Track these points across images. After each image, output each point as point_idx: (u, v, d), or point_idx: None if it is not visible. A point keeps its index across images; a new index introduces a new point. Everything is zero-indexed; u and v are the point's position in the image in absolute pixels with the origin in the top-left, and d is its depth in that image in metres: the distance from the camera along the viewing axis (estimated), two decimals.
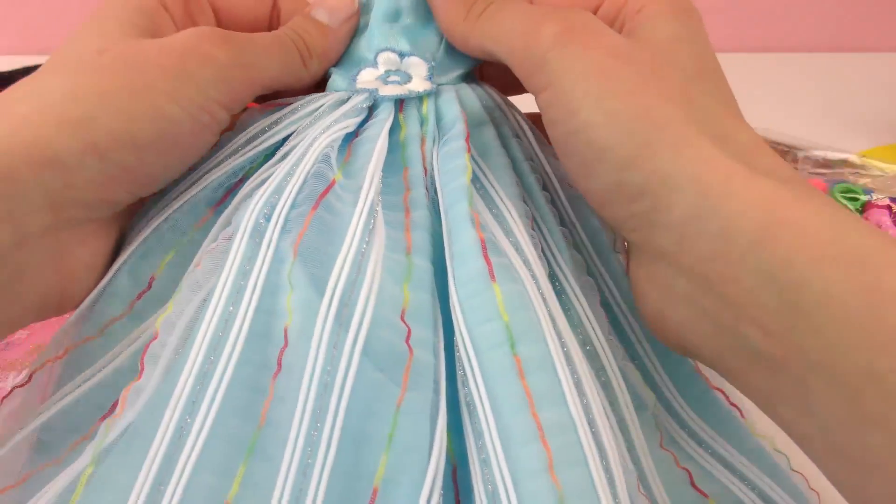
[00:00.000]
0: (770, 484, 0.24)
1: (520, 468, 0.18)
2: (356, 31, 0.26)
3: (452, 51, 0.25)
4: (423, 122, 0.25)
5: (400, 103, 0.25)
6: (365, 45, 0.26)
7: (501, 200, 0.23)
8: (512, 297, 0.20)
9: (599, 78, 0.20)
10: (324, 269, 0.20)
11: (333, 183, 0.22)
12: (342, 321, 0.19)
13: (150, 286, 0.23)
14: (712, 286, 0.19)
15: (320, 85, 0.27)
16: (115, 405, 0.22)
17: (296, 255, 0.20)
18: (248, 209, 0.21)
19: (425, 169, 0.24)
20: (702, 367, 0.26)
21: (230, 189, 0.25)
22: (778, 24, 0.81)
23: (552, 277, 0.23)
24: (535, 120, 0.26)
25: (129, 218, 0.25)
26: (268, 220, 0.21)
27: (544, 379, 0.19)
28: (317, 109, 0.25)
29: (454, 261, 0.21)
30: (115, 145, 0.21)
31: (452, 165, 0.23)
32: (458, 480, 0.20)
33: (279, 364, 0.19)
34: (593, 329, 0.23)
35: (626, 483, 0.19)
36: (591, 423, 0.19)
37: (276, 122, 0.25)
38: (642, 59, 0.20)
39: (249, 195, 0.22)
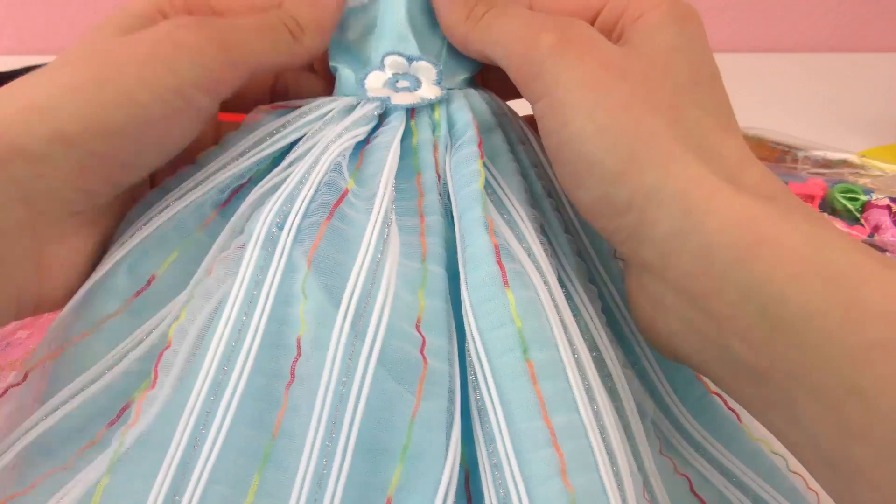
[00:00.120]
0: (766, 488, 0.24)
1: (532, 473, 0.18)
2: (364, 30, 0.26)
3: (455, 55, 0.25)
4: (434, 128, 0.25)
5: (411, 110, 0.25)
6: (373, 45, 0.26)
7: (513, 205, 0.23)
8: (525, 304, 0.20)
9: (591, 91, 0.20)
10: (338, 279, 0.20)
11: (346, 192, 0.22)
12: (358, 332, 0.19)
13: (149, 285, 0.23)
14: (696, 300, 0.19)
15: (329, 81, 0.27)
16: (122, 411, 0.22)
17: (310, 265, 0.20)
18: (261, 217, 0.21)
19: (438, 175, 0.24)
20: None
21: (235, 191, 0.25)
22: (778, 24, 0.81)
23: (560, 283, 0.23)
24: (534, 126, 0.26)
25: (116, 217, 0.24)
26: (280, 228, 0.21)
27: (556, 384, 0.19)
28: (326, 114, 0.25)
29: (467, 265, 0.21)
30: (82, 132, 0.20)
31: (465, 171, 0.23)
32: (471, 487, 0.20)
33: (292, 374, 0.20)
34: (599, 335, 0.23)
35: (635, 489, 0.19)
36: (602, 429, 0.19)
37: (284, 126, 0.25)
38: (635, 71, 0.21)
39: (261, 203, 0.22)
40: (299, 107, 0.25)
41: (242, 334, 0.20)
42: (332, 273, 0.20)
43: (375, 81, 0.25)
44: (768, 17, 0.81)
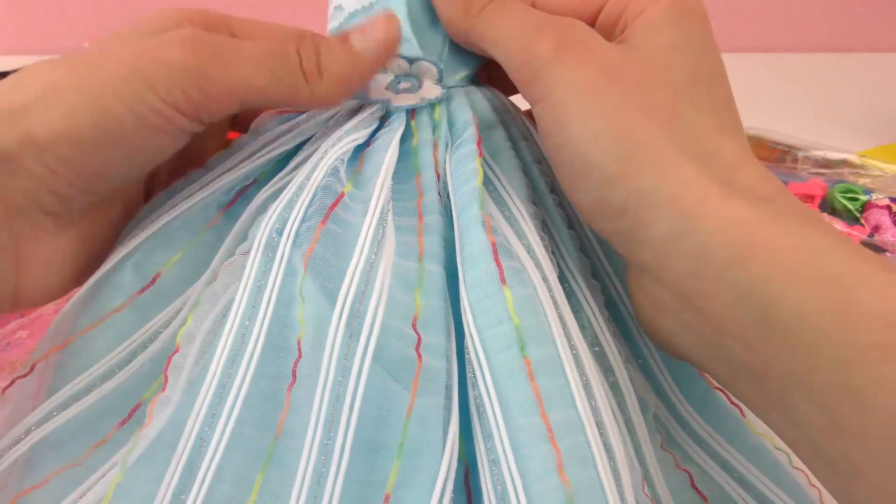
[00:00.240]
0: (768, 484, 0.25)
1: (529, 469, 0.18)
2: None
3: (457, 52, 0.25)
4: (435, 128, 0.25)
5: (412, 110, 0.25)
6: None
7: (513, 202, 0.23)
8: (522, 301, 0.20)
9: (588, 95, 0.20)
10: (334, 281, 0.20)
11: (342, 196, 0.22)
12: (353, 331, 0.19)
13: (153, 282, 0.23)
14: (692, 301, 0.19)
15: None
16: (133, 411, 0.23)
17: (306, 268, 0.20)
18: (262, 224, 0.21)
19: (437, 174, 0.24)
20: None
21: (241, 192, 0.25)
22: (778, 24, 0.81)
23: (561, 279, 0.23)
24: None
25: (101, 222, 0.24)
26: (280, 234, 0.21)
27: (554, 381, 0.19)
28: (332, 116, 0.25)
29: (465, 263, 0.21)
30: (51, 137, 0.20)
31: (464, 170, 0.23)
32: (471, 483, 0.20)
33: (294, 375, 0.20)
34: (601, 331, 0.23)
35: (633, 483, 0.19)
36: (600, 425, 0.19)
37: (290, 129, 0.25)
38: (632, 72, 0.21)
39: (264, 209, 0.23)
40: (305, 111, 0.26)
41: (246, 338, 0.20)
42: (328, 275, 0.20)
43: (377, 83, 0.25)
44: (768, 17, 0.81)
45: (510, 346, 0.19)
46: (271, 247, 0.21)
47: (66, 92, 0.21)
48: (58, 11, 0.78)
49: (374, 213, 0.21)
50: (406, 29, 0.25)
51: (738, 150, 0.20)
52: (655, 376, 0.25)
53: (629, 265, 0.22)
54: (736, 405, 0.26)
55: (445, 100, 0.25)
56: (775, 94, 0.69)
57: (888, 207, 0.48)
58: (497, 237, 0.21)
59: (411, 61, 0.25)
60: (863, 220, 0.48)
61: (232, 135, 0.28)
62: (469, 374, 0.20)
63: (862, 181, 0.52)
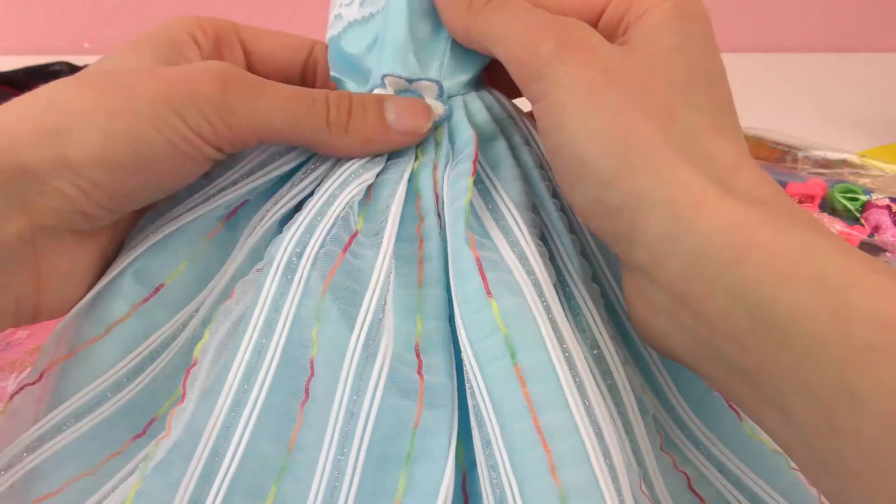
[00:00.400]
0: (764, 487, 0.25)
1: (524, 472, 0.18)
2: (366, 43, 0.26)
3: (459, 56, 0.25)
4: (437, 147, 0.25)
5: None
6: (374, 61, 0.26)
7: (509, 212, 0.23)
8: (509, 310, 0.20)
9: (587, 96, 0.20)
10: (352, 306, 0.21)
11: (356, 234, 0.23)
12: (370, 353, 0.20)
13: (157, 291, 0.24)
14: (687, 302, 0.19)
15: None
16: (148, 426, 0.23)
17: (325, 292, 0.21)
18: (282, 246, 0.22)
19: (436, 195, 0.24)
20: None
21: (241, 203, 0.25)
22: (778, 24, 0.81)
23: (562, 283, 0.24)
24: None
25: (118, 233, 0.25)
26: (300, 257, 0.22)
27: (545, 386, 0.19)
28: None
29: (456, 280, 0.22)
30: (86, 161, 0.21)
31: (457, 188, 0.23)
32: (468, 488, 0.21)
33: (307, 392, 0.21)
34: (600, 334, 0.23)
35: (630, 482, 0.20)
36: (595, 425, 0.19)
37: (291, 147, 0.25)
38: (632, 74, 0.21)
39: (280, 231, 0.23)
40: None
41: (262, 355, 0.21)
42: (346, 300, 0.21)
43: None
44: (768, 17, 0.81)
45: (502, 356, 0.20)
46: (290, 269, 0.22)
47: (99, 114, 0.21)
48: (58, 11, 0.78)
49: (387, 249, 0.22)
50: (406, 43, 0.25)
51: (736, 151, 0.20)
52: (655, 378, 0.26)
53: (624, 265, 0.22)
54: (733, 408, 0.26)
55: (447, 118, 0.25)
56: (775, 94, 0.69)
57: (888, 207, 0.48)
58: (482, 252, 0.22)
59: (409, 81, 0.25)
60: (863, 220, 0.48)
61: None
62: (467, 385, 0.20)
63: (862, 181, 0.52)
